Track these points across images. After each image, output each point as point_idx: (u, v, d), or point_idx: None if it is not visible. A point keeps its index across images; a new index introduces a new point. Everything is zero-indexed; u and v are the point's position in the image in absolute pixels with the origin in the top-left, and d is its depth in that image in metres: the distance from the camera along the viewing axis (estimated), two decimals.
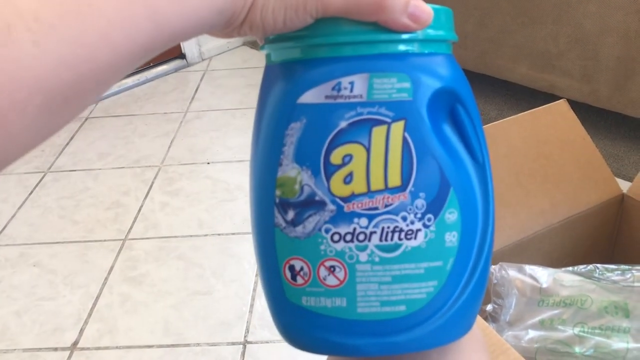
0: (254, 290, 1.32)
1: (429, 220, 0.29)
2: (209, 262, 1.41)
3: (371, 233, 0.29)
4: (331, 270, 0.30)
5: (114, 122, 2.08)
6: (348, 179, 0.29)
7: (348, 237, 0.29)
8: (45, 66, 0.20)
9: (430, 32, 0.29)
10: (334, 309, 0.30)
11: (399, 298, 0.30)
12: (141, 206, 1.62)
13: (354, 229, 0.29)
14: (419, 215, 0.29)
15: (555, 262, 0.79)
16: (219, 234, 1.50)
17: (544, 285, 0.69)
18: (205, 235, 1.50)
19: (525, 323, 0.68)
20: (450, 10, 0.31)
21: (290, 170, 0.29)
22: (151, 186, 1.71)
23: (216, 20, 0.26)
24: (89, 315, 1.29)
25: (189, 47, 2.45)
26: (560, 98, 0.87)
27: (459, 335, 0.32)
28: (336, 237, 0.29)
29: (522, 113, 0.82)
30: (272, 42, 0.30)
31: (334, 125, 0.28)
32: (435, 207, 0.29)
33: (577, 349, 0.65)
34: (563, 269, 0.72)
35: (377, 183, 0.29)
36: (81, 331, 1.25)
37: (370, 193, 0.29)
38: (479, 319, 0.44)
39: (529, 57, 1.78)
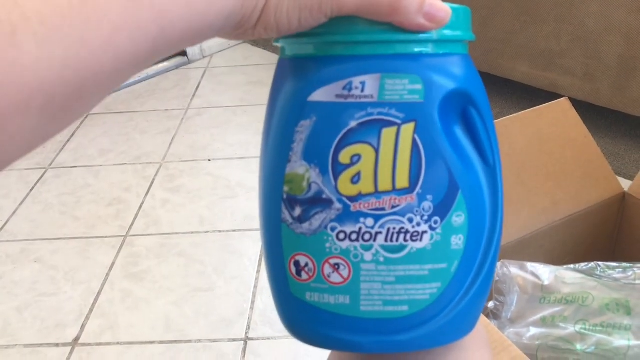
0: (255, 287, 1.32)
1: (435, 222, 0.29)
2: (210, 258, 1.41)
3: (377, 233, 0.29)
4: (335, 267, 0.30)
5: (115, 119, 2.08)
6: (356, 178, 0.29)
7: (353, 236, 0.29)
8: (47, 68, 0.20)
9: (446, 32, 0.29)
10: (337, 305, 0.31)
11: (402, 298, 0.30)
12: (142, 203, 1.63)
13: (360, 229, 0.29)
14: (425, 218, 0.29)
15: (556, 259, 0.79)
16: (220, 231, 1.50)
17: (546, 283, 0.69)
18: (207, 232, 1.50)
19: (526, 320, 0.68)
20: (468, 9, 0.31)
21: (298, 167, 0.29)
22: (152, 183, 1.71)
23: (224, 24, 0.25)
24: (90, 311, 1.29)
25: None
26: (562, 97, 0.87)
27: (461, 335, 0.32)
28: (342, 236, 0.29)
29: (524, 111, 0.82)
30: (286, 37, 0.30)
31: (344, 125, 0.28)
32: (442, 209, 0.29)
33: (578, 347, 0.65)
34: (564, 266, 0.72)
35: (384, 184, 0.29)
36: (82, 327, 1.25)
37: (377, 194, 0.29)
38: (481, 316, 0.44)
39: (531, 55, 1.78)
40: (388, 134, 0.28)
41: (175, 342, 1.20)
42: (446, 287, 0.30)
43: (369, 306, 0.30)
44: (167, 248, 1.46)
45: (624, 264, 0.71)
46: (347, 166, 0.29)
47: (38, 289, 1.37)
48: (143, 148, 1.89)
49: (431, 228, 0.29)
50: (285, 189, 0.30)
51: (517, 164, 0.78)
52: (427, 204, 0.29)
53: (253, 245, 1.44)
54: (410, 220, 0.29)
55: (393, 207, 0.29)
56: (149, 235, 1.50)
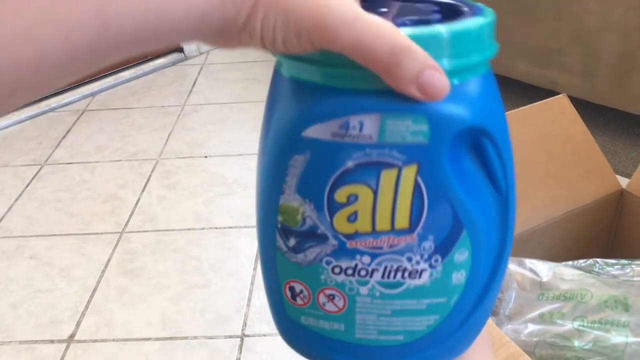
0: (252, 283, 1.32)
1: (435, 260, 0.27)
2: (207, 255, 1.41)
3: (373, 270, 0.28)
4: (330, 298, 0.29)
5: (111, 115, 2.07)
6: (352, 217, 0.27)
7: (349, 271, 0.28)
8: None
9: (459, 61, 0.25)
10: (332, 331, 0.30)
11: (397, 329, 0.29)
12: (138, 199, 1.62)
13: (356, 265, 0.28)
14: (425, 257, 0.27)
15: (555, 256, 0.79)
16: (216, 228, 1.49)
17: (544, 279, 0.69)
18: (203, 228, 1.49)
19: (524, 317, 0.68)
20: (491, 20, 0.27)
21: (292, 200, 0.27)
22: (148, 179, 1.70)
23: (198, 26, 0.22)
24: (86, 307, 1.29)
25: None
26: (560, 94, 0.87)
27: (459, 354, 0.32)
28: (337, 270, 0.28)
29: (523, 107, 0.82)
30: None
31: (340, 164, 0.26)
32: (444, 248, 0.27)
33: (576, 343, 0.65)
34: (563, 263, 0.72)
35: (382, 224, 0.27)
36: (78, 323, 1.25)
37: (375, 233, 0.27)
38: None
39: (530, 53, 1.77)
40: (388, 175, 0.26)
41: (171, 338, 1.20)
42: (444, 319, 0.29)
43: (363, 334, 0.30)
44: (163, 245, 1.45)
45: (623, 261, 0.71)
46: (343, 205, 0.27)
47: (33, 285, 1.36)
48: (139, 144, 1.88)
49: (431, 266, 0.28)
50: (280, 218, 0.28)
51: (516, 160, 0.77)
52: (428, 244, 0.27)
53: (249, 242, 1.44)
54: (409, 259, 0.27)
55: (391, 246, 0.27)
56: (145, 231, 1.50)
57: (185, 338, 1.20)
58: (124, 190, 1.66)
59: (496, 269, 0.29)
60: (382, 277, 0.28)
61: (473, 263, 0.28)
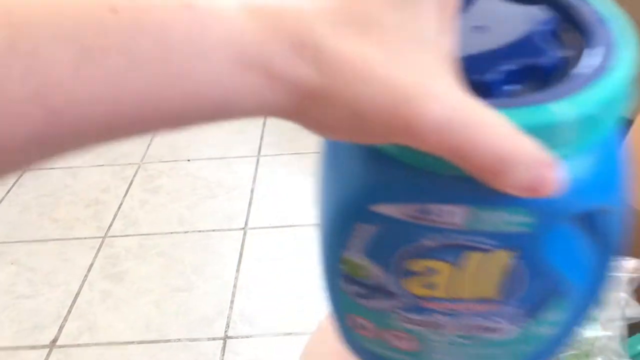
0: (235, 286, 1.32)
1: (524, 321, 0.24)
2: (190, 258, 1.41)
3: (451, 325, 0.25)
4: (400, 339, 0.26)
5: None
6: (428, 285, 0.23)
7: (423, 324, 0.25)
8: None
9: (581, 141, 0.20)
10: None
11: None
12: (121, 203, 1.62)
13: (431, 321, 0.25)
14: (513, 320, 0.24)
15: None
16: (199, 231, 1.50)
17: None
18: (186, 232, 1.50)
19: None
20: (633, 60, 0.20)
21: (357, 258, 0.24)
22: (131, 183, 1.70)
23: (233, 113, 0.18)
24: (69, 312, 1.29)
25: None
26: None
27: None
28: (409, 320, 0.25)
29: None
30: None
31: (416, 241, 0.22)
32: (535, 312, 0.24)
33: None
34: None
35: (464, 294, 0.23)
36: (60, 328, 1.25)
37: (454, 300, 0.23)
38: None
39: None
40: (474, 257, 0.22)
41: (155, 341, 1.20)
42: (525, 358, 0.27)
43: None
44: (146, 248, 1.45)
45: None
46: (418, 274, 0.23)
47: (15, 291, 1.36)
48: (121, 149, 1.88)
49: (518, 326, 0.24)
50: (343, 267, 0.24)
51: None
52: (517, 310, 0.24)
53: (232, 245, 1.45)
54: (494, 322, 0.24)
55: (473, 311, 0.24)
56: (127, 235, 1.50)
57: (169, 341, 1.20)
58: (106, 195, 1.66)
59: (587, 314, 0.26)
60: (461, 331, 0.25)
61: (564, 319, 0.25)
